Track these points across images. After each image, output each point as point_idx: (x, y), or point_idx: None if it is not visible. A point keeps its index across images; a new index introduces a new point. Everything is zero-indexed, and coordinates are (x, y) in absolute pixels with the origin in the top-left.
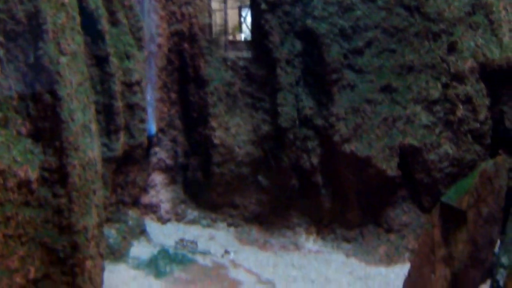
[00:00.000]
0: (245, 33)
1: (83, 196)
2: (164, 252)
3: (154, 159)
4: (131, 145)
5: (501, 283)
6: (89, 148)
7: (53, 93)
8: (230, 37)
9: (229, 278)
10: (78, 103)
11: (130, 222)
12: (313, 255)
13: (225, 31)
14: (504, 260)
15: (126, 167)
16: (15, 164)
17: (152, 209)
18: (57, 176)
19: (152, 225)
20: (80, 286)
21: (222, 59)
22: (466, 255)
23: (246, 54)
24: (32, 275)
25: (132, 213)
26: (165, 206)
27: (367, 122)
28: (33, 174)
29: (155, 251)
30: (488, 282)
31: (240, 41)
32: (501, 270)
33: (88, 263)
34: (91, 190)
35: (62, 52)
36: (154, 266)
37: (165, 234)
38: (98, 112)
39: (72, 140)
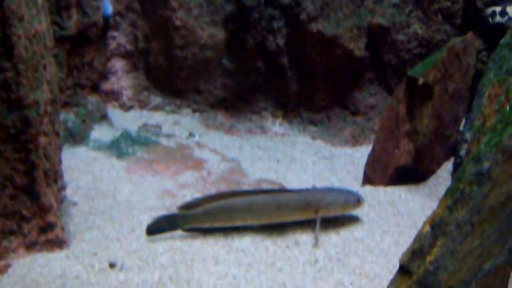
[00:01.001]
0: None
1: (31, 69)
2: (126, 135)
3: (113, 44)
4: (85, 24)
5: (464, 158)
6: (35, 20)
7: None
8: None
9: (193, 157)
10: None
11: (90, 106)
12: (279, 138)
13: None
14: (468, 136)
15: (81, 48)
16: None
17: (113, 96)
18: (1, 48)
19: (114, 112)
20: (34, 163)
21: None
22: (430, 130)
23: None
24: None
25: (92, 98)
26: (127, 93)
27: (335, 0)
28: None
29: (117, 134)
30: (452, 159)
31: None
32: (465, 146)
33: (42, 140)
34: (40, 64)
35: None
36: (116, 147)
37: (127, 120)
38: None
39: (14, 8)
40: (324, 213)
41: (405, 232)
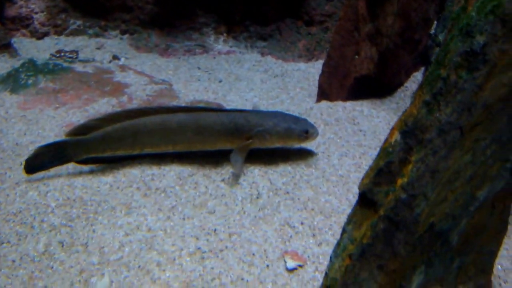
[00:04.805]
0: None
1: None
2: (29, 64)
3: None
4: None
5: None
6: None
7: None
8: None
9: (113, 82)
10: None
11: None
12: (224, 56)
13: None
14: (441, 38)
15: None
16: None
17: (22, 22)
18: None
19: (23, 42)
20: None
21: None
22: (396, 31)
23: None
24: None
25: None
26: (40, 18)
27: None
28: None
29: (17, 65)
30: (422, 69)
31: None
32: (438, 50)
33: None
34: None
35: None
36: (13, 80)
37: (39, 48)
38: None
39: None
40: (257, 144)
41: (369, 153)
